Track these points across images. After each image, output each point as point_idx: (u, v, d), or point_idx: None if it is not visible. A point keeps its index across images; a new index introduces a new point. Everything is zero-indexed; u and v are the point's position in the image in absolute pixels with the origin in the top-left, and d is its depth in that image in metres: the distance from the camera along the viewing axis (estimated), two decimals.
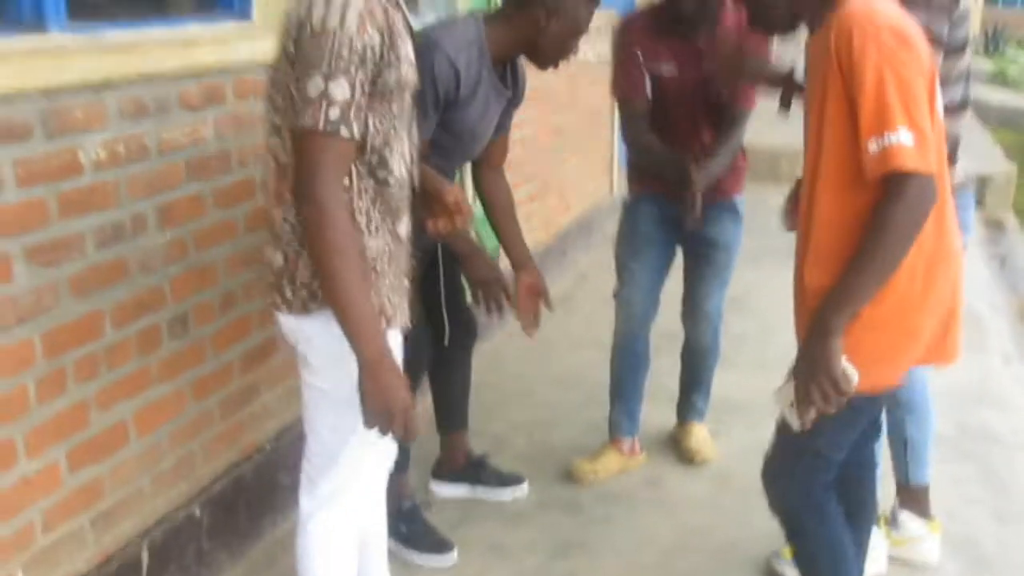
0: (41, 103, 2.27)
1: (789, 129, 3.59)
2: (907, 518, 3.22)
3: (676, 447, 3.98)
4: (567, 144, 6.30)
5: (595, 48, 5.51)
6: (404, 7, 2.15)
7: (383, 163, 2.09)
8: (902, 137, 2.01)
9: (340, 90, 1.93)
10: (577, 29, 2.91)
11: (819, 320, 2.13)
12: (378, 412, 1.99)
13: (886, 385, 2.30)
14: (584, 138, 6.72)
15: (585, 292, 5.91)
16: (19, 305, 2.27)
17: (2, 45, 2.23)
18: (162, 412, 2.77)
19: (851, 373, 2.14)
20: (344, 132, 1.94)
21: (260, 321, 3.14)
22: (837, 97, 2.10)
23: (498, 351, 4.85)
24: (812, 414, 2.21)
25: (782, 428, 2.37)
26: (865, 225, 2.08)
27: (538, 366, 4.77)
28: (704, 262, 3.69)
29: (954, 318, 2.31)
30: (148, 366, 2.70)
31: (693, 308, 3.78)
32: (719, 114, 3.48)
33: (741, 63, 3.16)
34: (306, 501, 2.32)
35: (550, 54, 2.92)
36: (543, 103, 5.54)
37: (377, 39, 1.98)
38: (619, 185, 7.21)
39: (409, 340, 2.35)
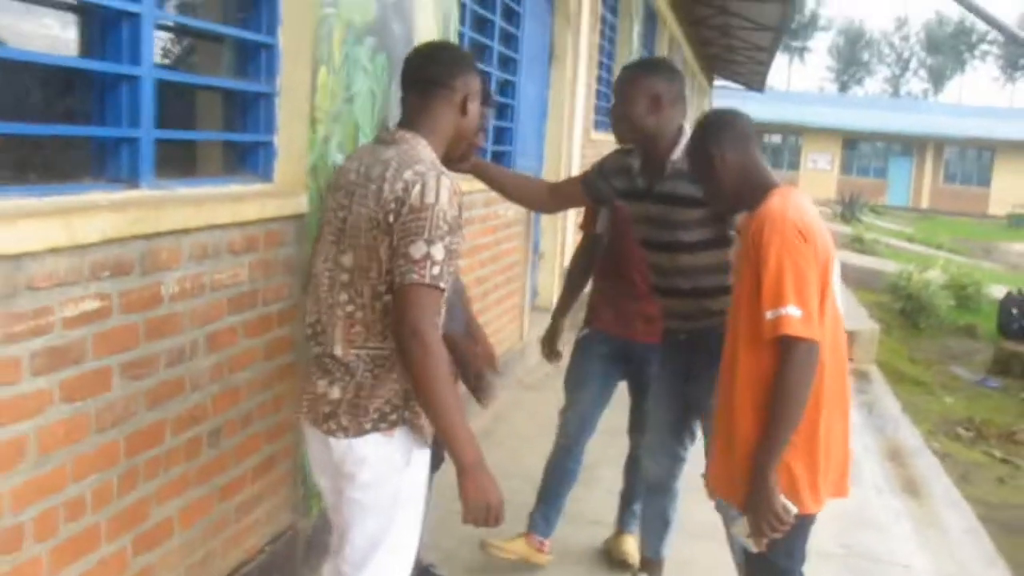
0: (140, 245, 2.79)
1: None
2: None
3: (609, 554, 4.49)
4: (488, 294, 6.94)
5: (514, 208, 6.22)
6: None
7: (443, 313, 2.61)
8: (791, 311, 2.72)
9: (438, 252, 2.44)
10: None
11: (756, 472, 2.81)
12: (480, 507, 2.46)
13: (812, 511, 2.94)
14: (502, 289, 7.38)
15: (504, 429, 6.45)
16: (113, 411, 2.73)
17: (114, 197, 2.76)
18: (198, 511, 3.21)
19: (789, 506, 2.82)
20: (441, 284, 2.45)
21: (268, 437, 3.61)
22: (751, 274, 2.80)
23: (440, 477, 5.32)
24: (764, 540, 2.88)
25: (751, 558, 3.01)
26: (769, 388, 2.76)
27: None
28: (645, 396, 4.18)
29: (847, 461, 3.01)
30: (190, 470, 3.15)
31: (638, 434, 4.28)
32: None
33: None
34: None
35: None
36: (470, 256, 6.18)
37: (457, 211, 2.53)
38: (528, 331, 7.84)
39: None
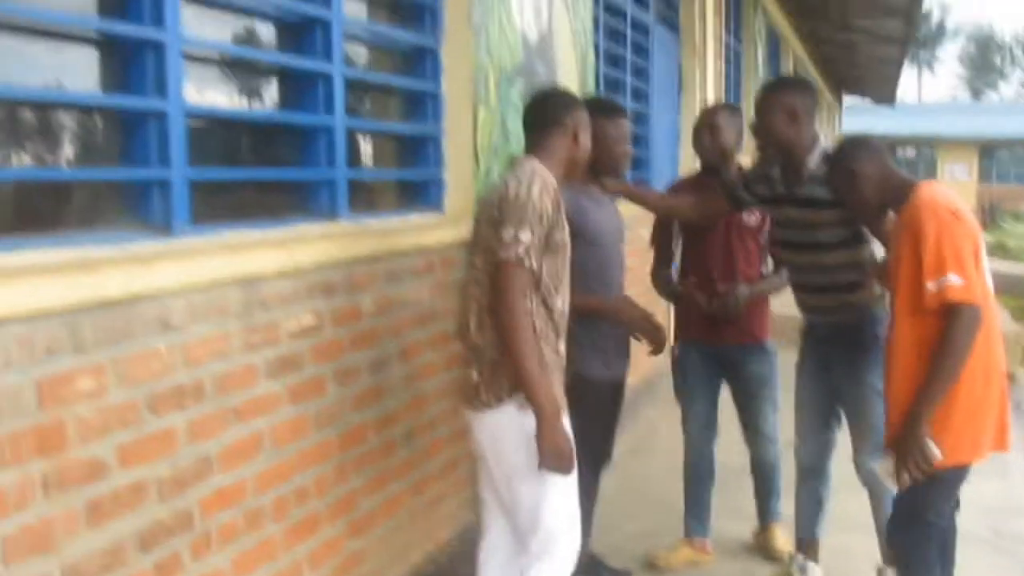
0: (343, 269, 3.25)
1: None
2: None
3: (760, 547, 4.77)
4: None
5: None
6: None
7: (551, 296, 3.03)
8: (952, 279, 3.02)
9: (525, 235, 2.88)
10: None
11: (910, 414, 3.11)
12: (553, 452, 2.87)
13: (967, 461, 3.22)
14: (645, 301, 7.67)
15: (655, 443, 6.75)
16: (328, 413, 3.19)
17: (321, 229, 3.23)
18: (396, 504, 3.64)
19: (934, 451, 3.09)
20: (527, 263, 2.88)
21: (450, 441, 4.03)
22: (910, 256, 3.12)
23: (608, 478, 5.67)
24: (906, 479, 3.15)
25: (899, 509, 3.31)
26: (932, 346, 3.06)
27: (639, 493, 5.61)
28: (748, 396, 4.53)
29: (1006, 417, 3.25)
30: (388, 467, 3.59)
31: (751, 433, 4.62)
32: (743, 250, 4.43)
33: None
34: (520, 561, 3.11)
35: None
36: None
37: (550, 207, 2.97)
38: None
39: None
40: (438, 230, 3.91)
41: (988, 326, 3.16)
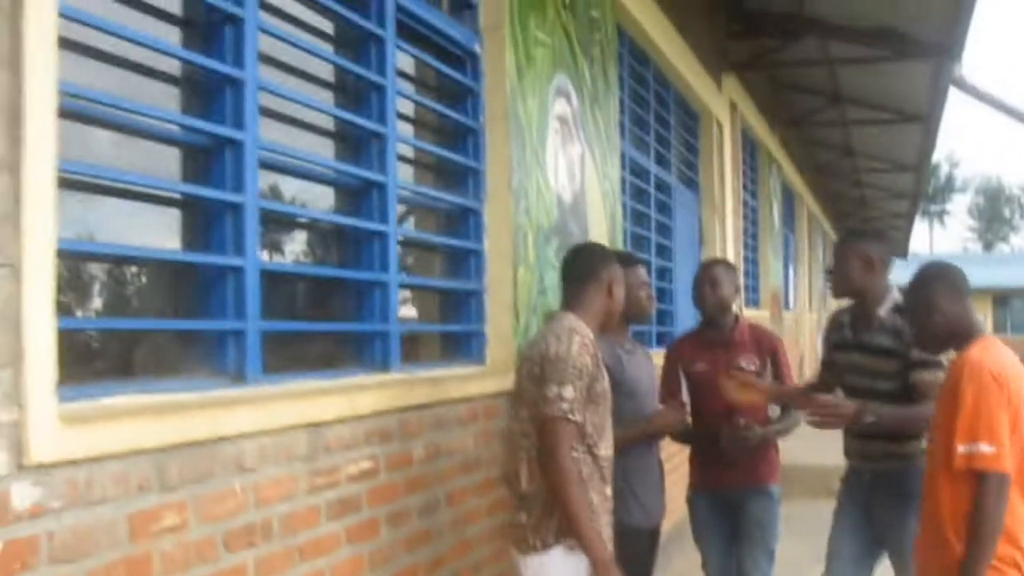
0: (397, 417, 3.43)
1: (835, 449, 4.58)
2: None
3: None
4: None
5: None
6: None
7: (596, 444, 3.22)
8: (983, 447, 3.12)
9: (568, 392, 3.09)
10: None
11: None
12: None
13: None
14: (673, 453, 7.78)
15: None
16: (382, 554, 3.32)
17: (376, 379, 3.43)
18: None
19: None
20: (572, 417, 3.09)
21: None
22: (948, 412, 3.24)
23: None
24: None
25: None
26: (964, 513, 3.15)
27: None
28: (743, 539, 4.59)
29: None
30: None
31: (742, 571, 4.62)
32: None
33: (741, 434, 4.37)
34: None
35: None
36: None
37: (589, 362, 3.18)
38: None
39: None
40: (481, 381, 4.11)
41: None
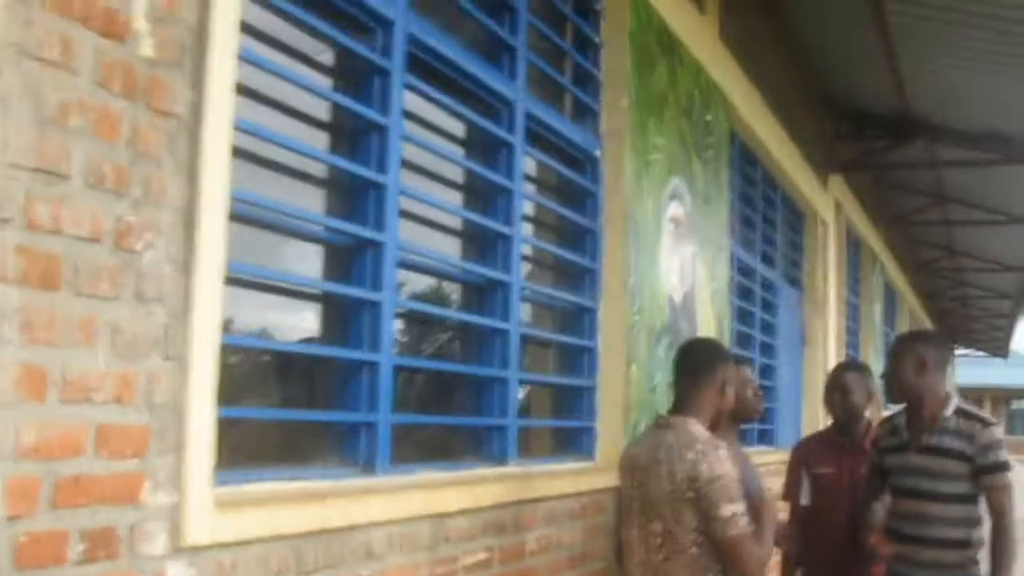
0: (513, 510, 3.52)
1: None
2: None
3: None
4: None
5: None
6: None
7: None
8: None
9: (740, 507, 3.15)
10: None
11: None
12: None
13: None
14: None
15: None
16: None
17: (494, 472, 3.53)
18: None
19: None
20: (748, 529, 3.15)
21: None
22: None
23: None
24: None
25: None
26: None
27: None
28: None
29: None
30: None
31: None
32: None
33: None
34: None
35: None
36: None
37: (736, 469, 3.22)
38: None
39: None
40: (591, 476, 4.18)
41: None
